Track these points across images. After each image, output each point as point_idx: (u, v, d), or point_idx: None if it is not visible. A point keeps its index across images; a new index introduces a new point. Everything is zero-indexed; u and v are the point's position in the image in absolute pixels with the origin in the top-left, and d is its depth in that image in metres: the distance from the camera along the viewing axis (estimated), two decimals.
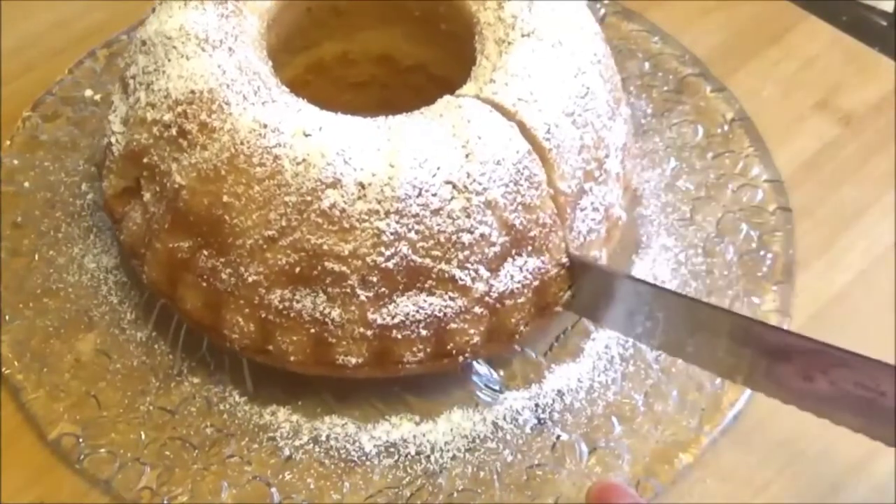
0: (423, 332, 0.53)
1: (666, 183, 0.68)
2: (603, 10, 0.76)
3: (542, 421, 0.58)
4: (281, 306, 0.53)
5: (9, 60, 0.75)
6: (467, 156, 0.52)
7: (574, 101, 0.55)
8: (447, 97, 0.55)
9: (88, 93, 0.72)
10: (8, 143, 0.69)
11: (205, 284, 0.54)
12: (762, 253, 0.64)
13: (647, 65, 0.74)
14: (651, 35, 0.76)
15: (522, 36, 0.56)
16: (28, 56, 0.76)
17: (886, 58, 0.76)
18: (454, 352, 0.54)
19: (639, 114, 0.71)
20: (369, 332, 0.53)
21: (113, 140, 0.58)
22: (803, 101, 0.73)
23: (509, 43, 0.56)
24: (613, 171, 0.58)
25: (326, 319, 0.52)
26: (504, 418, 0.58)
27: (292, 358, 0.54)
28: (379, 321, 0.52)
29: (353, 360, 0.54)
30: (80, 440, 0.56)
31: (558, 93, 0.55)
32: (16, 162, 0.68)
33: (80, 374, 0.59)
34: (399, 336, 0.53)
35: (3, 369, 0.59)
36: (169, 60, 0.55)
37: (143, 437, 0.57)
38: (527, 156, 0.53)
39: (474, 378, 0.59)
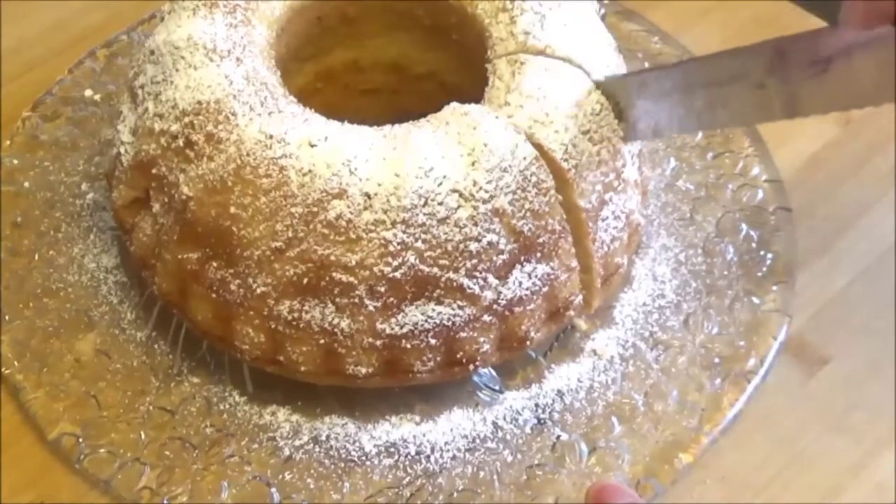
0: (433, 342, 0.53)
1: (666, 183, 0.68)
2: (603, 10, 0.76)
3: (542, 421, 0.58)
4: (290, 317, 0.53)
5: (9, 60, 0.75)
6: (473, 164, 0.51)
7: (590, 119, 0.55)
8: (454, 104, 0.54)
9: (88, 93, 0.72)
10: (8, 143, 0.69)
11: (214, 296, 0.54)
12: (762, 253, 0.64)
13: (646, 65, 0.74)
14: (651, 35, 0.76)
15: (535, 54, 0.56)
16: (28, 56, 0.76)
17: None
18: (464, 360, 0.54)
19: None
20: (378, 342, 0.53)
21: (122, 150, 0.58)
22: None
23: (522, 63, 0.56)
24: (631, 178, 0.58)
25: (335, 330, 0.52)
26: (504, 418, 0.58)
27: (303, 368, 0.54)
28: (388, 331, 0.52)
29: (364, 370, 0.54)
30: (80, 440, 0.56)
31: (574, 112, 0.54)
32: (16, 162, 0.68)
33: (80, 374, 0.59)
34: (408, 346, 0.53)
35: (3, 369, 0.59)
36: (177, 70, 0.55)
37: (143, 437, 0.57)
38: (534, 162, 0.53)
39: (474, 378, 0.59)
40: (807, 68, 0.50)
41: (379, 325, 0.52)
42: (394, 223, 0.50)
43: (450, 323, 0.53)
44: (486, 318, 0.53)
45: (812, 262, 0.65)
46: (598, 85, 0.56)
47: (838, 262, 0.65)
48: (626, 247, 0.59)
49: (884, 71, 0.49)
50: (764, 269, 0.63)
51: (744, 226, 0.65)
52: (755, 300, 0.62)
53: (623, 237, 0.58)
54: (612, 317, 0.62)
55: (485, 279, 0.52)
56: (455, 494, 0.55)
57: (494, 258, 0.52)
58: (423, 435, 0.57)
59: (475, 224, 0.51)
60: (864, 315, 0.62)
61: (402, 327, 0.52)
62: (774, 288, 0.63)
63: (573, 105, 0.55)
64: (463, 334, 0.53)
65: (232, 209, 0.52)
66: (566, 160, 0.53)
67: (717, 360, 0.60)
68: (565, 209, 0.55)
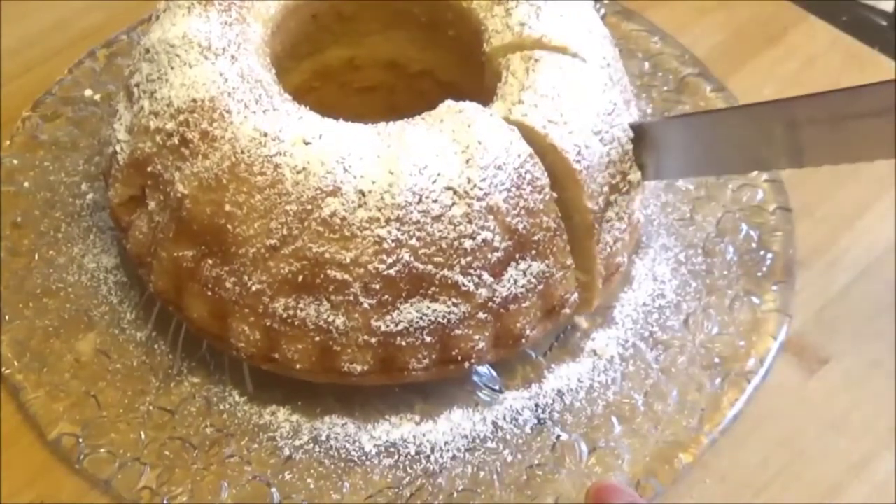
0: (428, 339, 0.53)
1: (666, 183, 0.68)
2: (603, 10, 0.76)
3: (542, 421, 0.58)
4: (285, 315, 0.53)
5: (9, 60, 0.75)
6: (468, 161, 0.52)
7: (602, 119, 0.55)
8: (448, 102, 0.54)
9: (88, 93, 0.72)
10: (8, 143, 0.69)
11: (210, 293, 0.54)
12: (762, 253, 0.64)
13: (647, 65, 0.74)
14: (651, 35, 0.76)
15: (532, 45, 0.56)
16: (28, 56, 0.76)
17: (886, 58, 0.76)
18: (460, 358, 0.54)
19: (639, 114, 0.71)
20: (373, 340, 0.53)
21: (118, 148, 0.58)
22: None
23: (536, 60, 0.56)
24: (635, 179, 0.59)
25: (331, 327, 0.52)
26: (504, 418, 0.58)
27: (298, 366, 0.54)
28: (383, 328, 0.52)
29: (359, 368, 0.54)
30: (80, 440, 0.56)
31: (587, 112, 0.55)
32: (16, 162, 0.68)
33: (80, 374, 0.59)
34: (403, 343, 0.53)
35: (3, 369, 0.59)
36: (172, 68, 0.55)
37: (143, 437, 0.57)
38: (528, 160, 0.53)
39: (474, 378, 0.59)
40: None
41: (374, 323, 0.52)
42: (388, 221, 0.50)
43: (445, 320, 0.53)
44: (481, 315, 0.53)
45: (812, 262, 0.65)
46: (632, 126, 0.58)
47: (838, 262, 0.65)
48: (627, 246, 0.59)
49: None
50: (764, 268, 0.63)
51: (744, 226, 0.65)
52: (755, 300, 0.62)
53: (625, 238, 0.58)
54: (612, 317, 0.62)
55: (479, 277, 0.52)
56: (455, 494, 0.55)
57: (489, 256, 0.52)
58: (423, 435, 0.57)
59: (470, 222, 0.51)
60: (864, 315, 0.62)
61: (397, 325, 0.52)
62: (774, 288, 0.62)
63: (586, 105, 0.55)
64: (458, 332, 0.53)
65: (227, 207, 0.52)
66: (578, 161, 0.54)
67: (717, 360, 0.60)
68: (573, 210, 0.55)
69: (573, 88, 0.55)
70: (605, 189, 0.55)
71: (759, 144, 0.57)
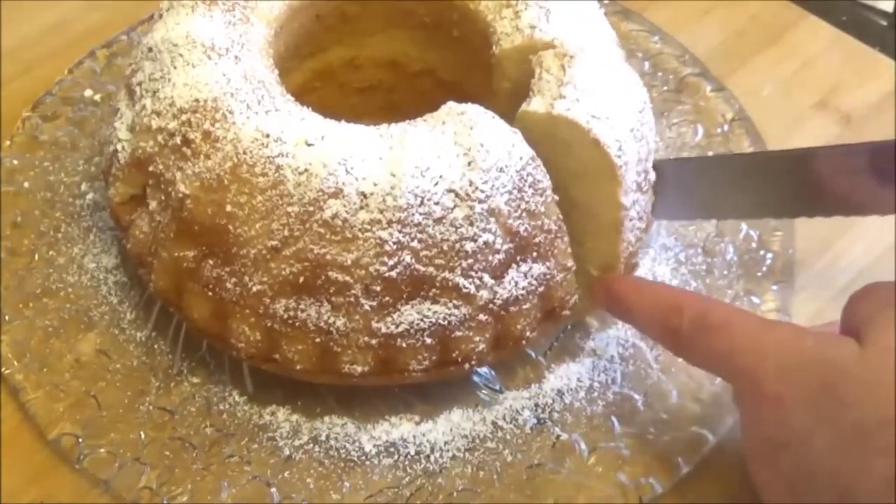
0: (428, 341, 0.53)
1: None
2: (603, 10, 0.76)
3: (542, 421, 0.58)
4: (286, 316, 0.53)
5: (9, 60, 0.75)
6: (469, 164, 0.51)
7: (635, 117, 0.55)
8: (450, 103, 0.54)
9: (88, 93, 0.72)
10: (8, 143, 0.69)
11: (210, 294, 0.54)
12: (762, 252, 0.64)
13: (646, 65, 0.74)
14: (651, 35, 0.76)
15: (543, 48, 0.56)
16: (28, 56, 0.76)
17: (886, 58, 0.76)
18: (459, 359, 0.54)
19: None
20: (374, 341, 0.53)
21: (119, 147, 0.58)
22: (803, 101, 0.73)
23: (571, 57, 0.55)
24: (653, 179, 0.59)
25: (331, 329, 0.52)
26: (504, 418, 0.58)
27: (298, 367, 0.54)
28: (383, 330, 0.52)
29: (359, 369, 0.54)
30: (80, 440, 0.56)
31: (624, 109, 0.55)
32: (16, 162, 0.68)
33: (80, 374, 0.59)
34: (404, 345, 0.53)
35: (3, 369, 0.59)
36: (175, 68, 0.55)
37: (143, 437, 0.57)
38: (530, 162, 0.53)
39: (474, 378, 0.59)
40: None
41: (374, 325, 0.52)
42: (390, 223, 0.50)
43: (445, 322, 0.53)
44: (482, 317, 0.53)
45: (812, 262, 0.65)
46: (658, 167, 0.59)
47: (838, 262, 0.65)
48: (642, 245, 0.59)
49: None
50: (763, 268, 0.63)
51: (744, 225, 0.65)
52: (755, 300, 0.62)
53: (643, 237, 0.58)
54: (612, 316, 0.62)
55: (480, 279, 0.52)
56: (455, 494, 0.55)
57: (490, 258, 0.52)
58: (423, 435, 0.57)
59: (471, 224, 0.51)
60: None
61: (397, 326, 0.52)
62: (774, 287, 0.63)
63: (623, 102, 0.55)
64: (458, 333, 0.53)
65: (228, 207, 0.52)
66: (619, 156, 0.54)
67: None
68: (602, 208, 0.55)
69: (610, 85, 0.55)
70: (634, 186, 0.56)
71: (764, 192, 0.59)
